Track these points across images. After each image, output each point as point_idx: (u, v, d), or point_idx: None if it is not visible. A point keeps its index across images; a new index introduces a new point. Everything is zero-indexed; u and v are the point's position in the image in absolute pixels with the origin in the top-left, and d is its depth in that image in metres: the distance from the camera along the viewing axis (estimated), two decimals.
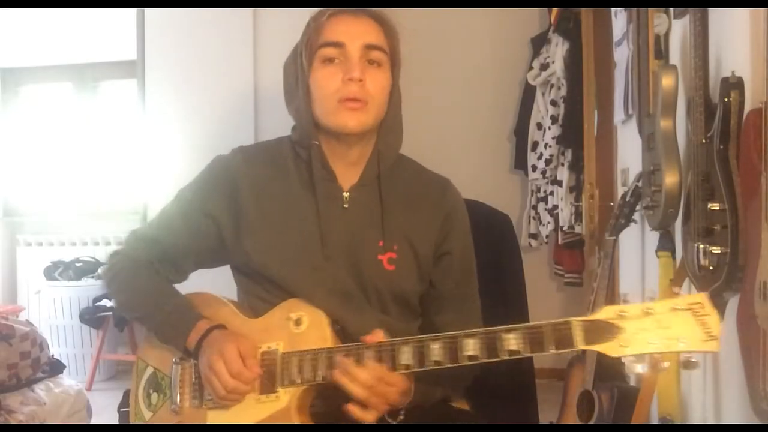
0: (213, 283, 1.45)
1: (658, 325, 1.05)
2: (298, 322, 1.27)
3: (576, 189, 3.67)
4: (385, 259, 1.32)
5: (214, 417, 1.29)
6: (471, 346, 1.14)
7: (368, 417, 1.18)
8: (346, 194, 1.34)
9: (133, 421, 1.41)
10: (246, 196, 1.34)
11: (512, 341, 1.11)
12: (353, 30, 1.29)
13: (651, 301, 1.08)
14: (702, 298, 1.06)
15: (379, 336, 1.20)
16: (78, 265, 4.53)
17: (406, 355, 1.17)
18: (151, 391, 1.39)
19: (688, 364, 1.07)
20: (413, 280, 1.36)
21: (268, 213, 1.34)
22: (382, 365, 1.17)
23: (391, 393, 1.18)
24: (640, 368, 1.06)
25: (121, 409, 1.50)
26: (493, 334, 1.13)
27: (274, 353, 1.26)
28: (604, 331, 1.07)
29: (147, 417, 1.38)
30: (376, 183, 1.35)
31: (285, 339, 1.27)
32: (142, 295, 1.39)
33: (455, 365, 1.14)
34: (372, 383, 1.16)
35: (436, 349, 1.15)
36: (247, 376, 1.23)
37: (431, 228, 1.36)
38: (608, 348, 1.06)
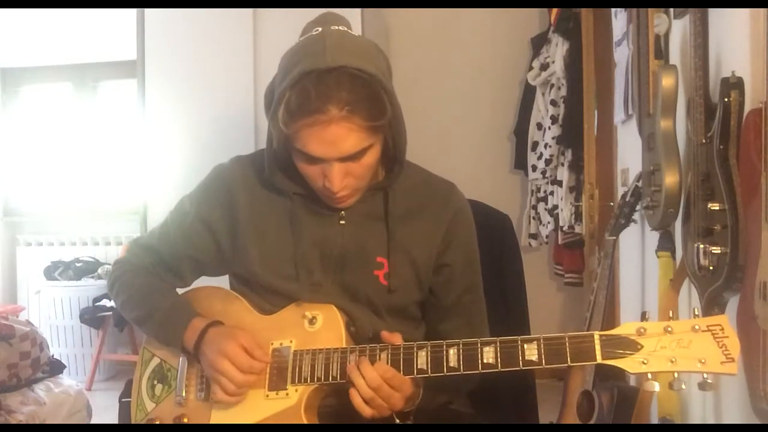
0: (216, 280, 1.46)
1: (677, 344, 1.06)
2: (312, 321, 1.27)
3: (576, 189, 3.67)
4: (381, 274, 1.32)
5: (220, 411, 1.28)
6: (489, 354, 1.14)
7: (367, 411, 1.18)
8: (342, 211, 1.32)
9: (134, 411, 1.40)
10: (243, 208, 1.34)
11: (532, 351, 1.12)
12: (328, 144, 1.18)
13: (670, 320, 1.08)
14: (722, 320, 1.06)
15: (397, 338, 1.21)
16: (78, 265, 4.53)
17: (422, 359, 1.17)
18: (155, 381, 1.39)
19: (704, 385, 1.06)
20: (411, 293, 1.35)
21: (265, 226, 1.34)
22: (392, 368, 1.17)
23: (394, 397, 1.18)
24: (656, 387, 1.07)
25: (123, 399, 1.49)
26: (512, 343, 1.13)
27: (285, 350, 1.26)
28: (624, 346, 1.08)
29: (149, 408, 1.38)
30: (375, 197, 1.33)
31: (298, 336, 1.27)
32: (140, 296, 1.40)
33: (471, 372, 1.14)
34: (378, 384, 1.16)
35: (452, 355, 1.15)
36: (257, 367, 1.24)
37: (433, 238, 1.34)
38: (628, 364, 1.07)
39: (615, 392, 2.18)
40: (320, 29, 1.22)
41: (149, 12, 3.80)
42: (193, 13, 3.68)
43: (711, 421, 1.92)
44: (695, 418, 2.05)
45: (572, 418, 2.29)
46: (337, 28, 1.23)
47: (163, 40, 3.79)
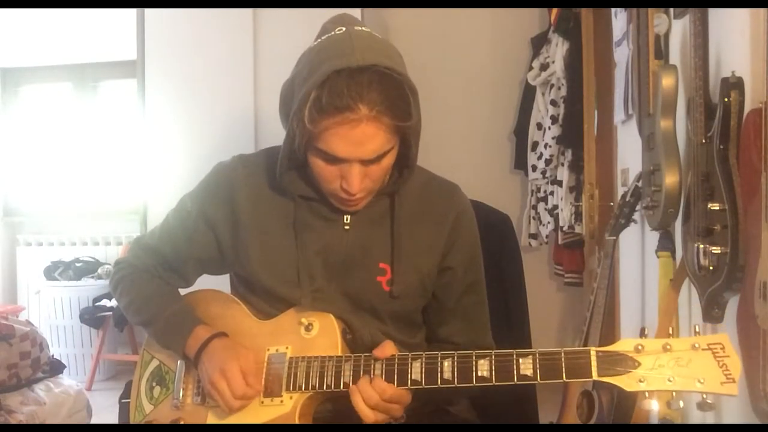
0: (216, 281, 1.46)
1: (676, 363, 1.03)
2: (308, 328, 1.27)
3: (576, 189, 3.67)
4: (384, 280, 1.30)
5: (216, 415, 1.29)
6: (483, 368, 1.13)
7: (371, 419, 1.18)
8: (347, 216, 1.31)
9: (133, 412, 1.41)
10: (245, 209, 1.33)
11: (527, 366, 1.10)
12: (355, 144, 1.16)
13: (670, 336, 1.06)
14: (723, 338, 1.04)
15: (389, 348, 1.20)
16: (78, 265, 4.54)
17: (416, 371, 1.16)
18: (154, 384, 1.39)
19: (704, 406, 1.04)
20: (415, 300, 1.35)
21: (267, 229, 1.32)
22: (390, 385, 1.16)
23: (393, 409, 1.18)
24: (654, 405, 1.04)
25: (122, 400, 1.50)
26: (507, 356, 1.12)
27: (281, 357, 1.26)
28: (621, 363, 1.05)
29: (147, 410, 1.38)
30: (381, 202, 1.32)
31: (294, 343, 1.27)
32: (142, 301, 1.40)
33: (465, 385, 1.13)
34: (375, 402, 1.16)
35: (447, 367, 1.14)
36: (250, 395, 1.23)
37: (436, 243, 1.33)
38: (625, 382, 1.05)
39: (615, 392, 2.17)
40: (344, 29, 1.19)
41: (149, 12, 3.80)
42: (193, 13, 3.69)
43: (711, 421, 1.91)
44: (695, 418, 2.05)
45: (572, 418, 2.29)
46: (360, 28, 1.21)
47: (163, 40, 3.79)
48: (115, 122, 4.86)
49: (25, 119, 4.98)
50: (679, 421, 2.06)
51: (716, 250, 1.55)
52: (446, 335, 1.37)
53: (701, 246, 1.62)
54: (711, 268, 1.59)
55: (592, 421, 2.20)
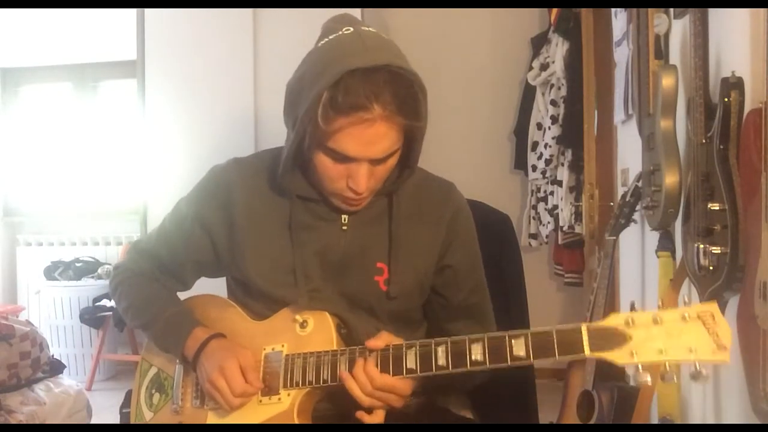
0: (213, 285, 1.46)
1: (667, 334, 1.03)
2: (303, 325, 1.27)
3: (576, 189, 3.67)
4: (381, 280, 1.30)
5: (215, 418, 1.29)
6: (476, 351, 1.12)
7: (376, 420, 1.19)
8: (344, 216, 1.31)
9: (133, 421, 1.41)
10: (241, 212, 1.33)
11: (519, 347, 1.10)
12: (367, 143, 1.16)
13: (659, 309, 1.05)
14: (713, 307, 1.03)
15: (384, 338, 1.20)
16: (78, 265, 4.54)
17: (411, 360, 1.16)
18: (153, 391, 1.40)
19: (697, 376, 1.02)
20: (412, 299, 1.35)
21: (263, 231, 1.32)
22: (383, 375, 1.16)
23: (391, 399, 1.18)
24: (648, 379, 1.03)
25: (123, 410, 1.50)
26: (499, 338, 1.12)
27: (278, 355, 1.26)
28: (612, 338, 1.04)
29: (147, 417, 1.38)
30: (379, 202, 1.32)
31: (290, 341, 1.27)
32: (141, 304, 1.40)
33: (460, 370, 1.13)
34: (369, 390, 1.16)
35: (441, 354, 1.14)
36: (250, 392, 1.24)
37: (433, 241, 1.33)
38: (617, 356, 1.04)
39: (615, 392, 2.18)
40: (352, 29, 1.19)
41: (149, 12, 3.80)
42: (193, 13, 3.69)
43: (711, 421, 1.92)
44: (695, 418, 2.05)
45: (572, 418, 2.29)
46: (367, 28, 1.21)
47: (163, 40, 3.79)
48: (115, 122, 4.85)
49: (25, 119, 4.98)
50: (679, 421, 2.06)
51: (716, 250, 1.55)
52: (455, 331, 1.37)
53: (701, 246, 1.62)
54: (711, 268, 1.59)
55: (592, 421, 2.20)
